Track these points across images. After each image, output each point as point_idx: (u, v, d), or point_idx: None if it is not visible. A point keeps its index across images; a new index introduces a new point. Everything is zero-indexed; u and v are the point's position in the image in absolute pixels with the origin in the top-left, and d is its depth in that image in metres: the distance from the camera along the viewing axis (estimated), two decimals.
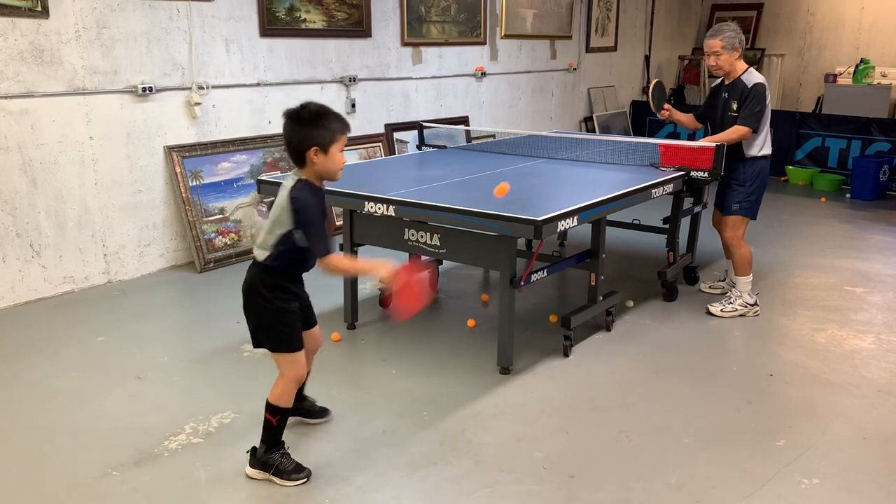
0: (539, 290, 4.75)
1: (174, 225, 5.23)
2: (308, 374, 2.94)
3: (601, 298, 4.08)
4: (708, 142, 4.23)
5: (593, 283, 4.04)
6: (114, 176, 4.86)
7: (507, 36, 7.83)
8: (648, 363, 3.77)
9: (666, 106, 4.67)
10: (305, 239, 2.52)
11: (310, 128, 2.52)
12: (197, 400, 3.35)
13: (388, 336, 4.02)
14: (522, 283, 3.57)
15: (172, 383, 3.53)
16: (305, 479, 2.73)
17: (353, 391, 3.43)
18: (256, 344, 2.75)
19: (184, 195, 5.14)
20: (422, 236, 3.71)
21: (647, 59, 10.34)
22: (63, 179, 4.63)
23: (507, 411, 3.26)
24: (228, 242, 5.34)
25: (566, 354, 3.82)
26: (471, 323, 4.24)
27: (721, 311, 4.37)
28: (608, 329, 4.15)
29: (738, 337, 4.14)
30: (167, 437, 3.03)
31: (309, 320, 2.86)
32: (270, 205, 3.17)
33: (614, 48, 9.64)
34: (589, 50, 9.15)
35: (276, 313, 2.64)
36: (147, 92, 4.91)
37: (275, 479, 2.72)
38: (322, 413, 3.18)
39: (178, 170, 5.12)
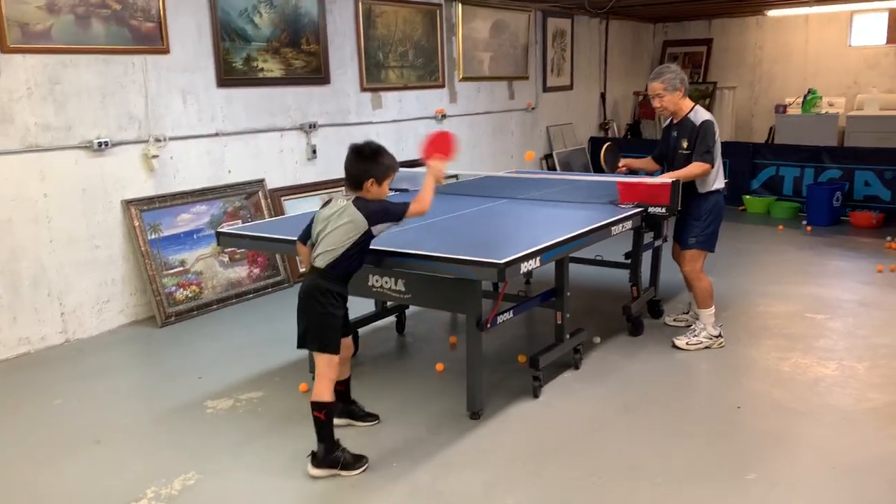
0: (507, 329, 4.74)
1: (134, 280, 5.13)
2: (349, 377, 3.49)
3: (568, 336, 4.08)
4: (667, 177, 4.28)
5: (559, 322, 4.04)
6: (70, 232, 4.77)
7: (465, 78, 7.94)
8: (618, 401, 3.76)
9: (622, 162, 4.75)
10: (389, 216, 3.10)
11: (370, 162, 3.07)
12: (159, 462, 3.25)
13: (355, 384, 3.94)
14: (489, 326, 3.55)
15: (133, 445, 3.42)
16: (366, 465, 3.11)
17: None
18: (302, 345, 3.17)
19: (143, 249, 5.06)
20: (386, 282, 3.68)
21: (602, 96, 10.55)
22: (17, 238, 4.52)
23: (479, 458, 3.22)
24: (190, 295, 5.25)
25: (536, 395, 3.79)
26: (439, 367, 4.21)
27: (686, 344, 4.39)
28: (577, 367, 4.15)
29: (705, 370, 4.16)
30: (128, 502, 2.92)
31: (345, 329, 3.26)
32: None
33: (570, 87, 9.83)
34: (546, 89, 9.31)
35: (326, 317, 3.06)
36: (103, 146, 4.85)
37: (342, 472, 3.06)
38: (369, 417, 3.55)
39: (136, 224, 5.04)
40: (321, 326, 3.06)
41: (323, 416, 3.06)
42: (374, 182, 3.07)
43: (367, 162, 3.07)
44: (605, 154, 4.74)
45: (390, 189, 5.38)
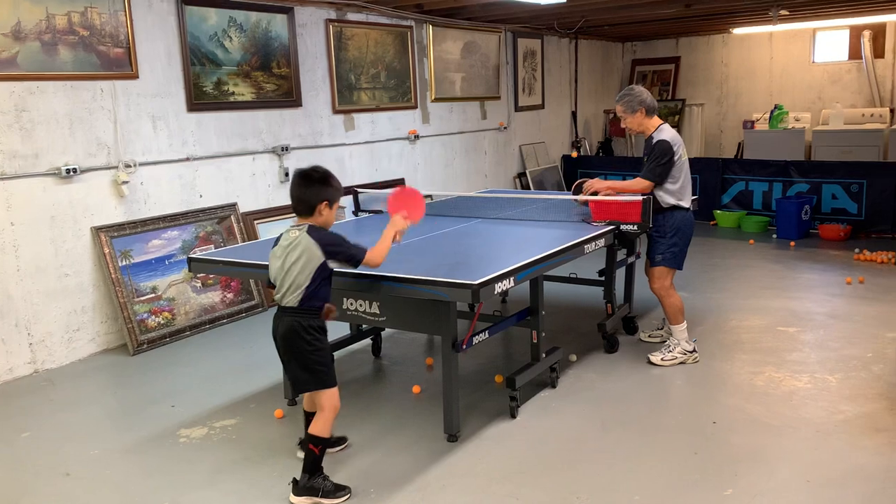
0: (483, 349, 4.74)
1: (104, 307, 5.05)
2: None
3: (544, 355, 4.08)
4: (610, 186, 4.42)
5: (535, 341, 4.04)
6: (38, 261, 4.69)
7: (437, 99, 7.98)
8: (595, 419, 3.76)
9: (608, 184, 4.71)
10: (343, 256, 3.02)
11: (323, 185, 3.04)
12: (131, 494, 3.18)
13: None
14: (465, 347, 3.55)
15: (104, 478, 3.35)
16: (349, 496, 3.06)
17: (295, 469, 3.31)
18: (300, 390, 3.16)
19: (113, 276, 4.99)
20: (361, 305, 3.67)
21: (573, 114, 10.66)
22: None
23: (456, 482, 3.20)
24: (162, 322, 5.18)
25: (513, 416, 3.78)
26: (416, 389, 4.18)
27: (661, 360, 4.42)
28: (553, 386, 4.14)
29: (680, 385, 4.18)
30: None
31: None
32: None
33: (542, 106, 9.92)
34: (518, 109, 9.39)
35: (317, 353, 3.02)
36: (71, 173, 4.79)
37: (323, 500, 3.01)
38: (339, 442, 3.50)
39: (106, 250, 4.98)
40: (315, 364, 3.01)
41: (318, 452, 3.05)
42: (326, 205, 3.04)
43: (318, 185, 3.04)
44: (575, 192, 4.76)
45: (364, 211, 5.46)
